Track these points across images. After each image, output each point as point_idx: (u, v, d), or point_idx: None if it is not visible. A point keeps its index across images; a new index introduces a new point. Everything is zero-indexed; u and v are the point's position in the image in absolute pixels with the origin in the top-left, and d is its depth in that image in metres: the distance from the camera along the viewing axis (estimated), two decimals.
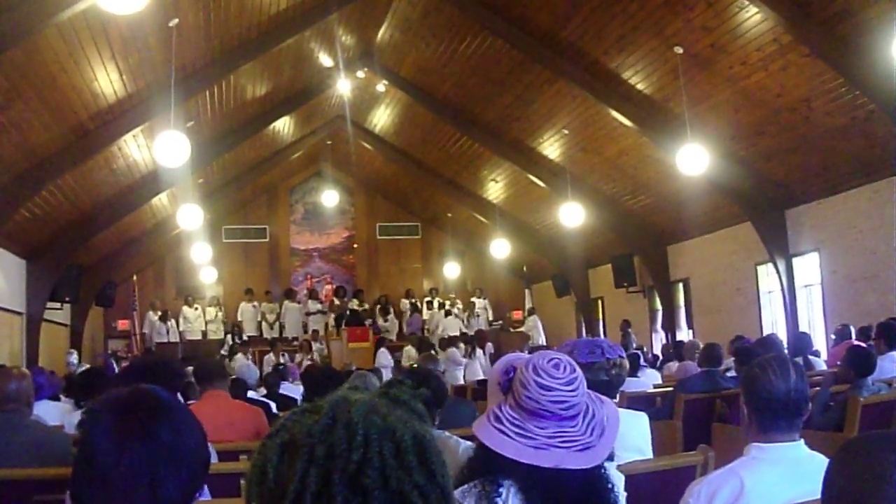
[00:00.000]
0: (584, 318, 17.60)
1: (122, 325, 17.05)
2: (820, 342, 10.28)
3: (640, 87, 10.87)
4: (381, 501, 0.85)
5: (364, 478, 0.86)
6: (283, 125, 15.37)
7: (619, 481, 1.95)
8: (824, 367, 7.64)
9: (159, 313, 17.17)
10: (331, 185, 18.50)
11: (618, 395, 2.96)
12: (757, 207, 11.55)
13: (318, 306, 18.46)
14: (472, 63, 12.53)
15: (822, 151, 10.07)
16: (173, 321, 17.38)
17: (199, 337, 17.61)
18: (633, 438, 2.98)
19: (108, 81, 9.42)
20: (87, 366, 10.94)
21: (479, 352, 13.85)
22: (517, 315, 19.27)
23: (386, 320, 18.35)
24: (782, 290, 11.54)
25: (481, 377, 11.76)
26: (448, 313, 17.93)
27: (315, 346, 16.15)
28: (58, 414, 5.33)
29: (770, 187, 11.34)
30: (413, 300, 19.12)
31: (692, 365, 6.95)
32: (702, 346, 7.02)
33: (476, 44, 11.94)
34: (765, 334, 9.86)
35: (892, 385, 5.35)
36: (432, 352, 11.64)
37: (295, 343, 16.93)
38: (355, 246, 20.24)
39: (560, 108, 12.48)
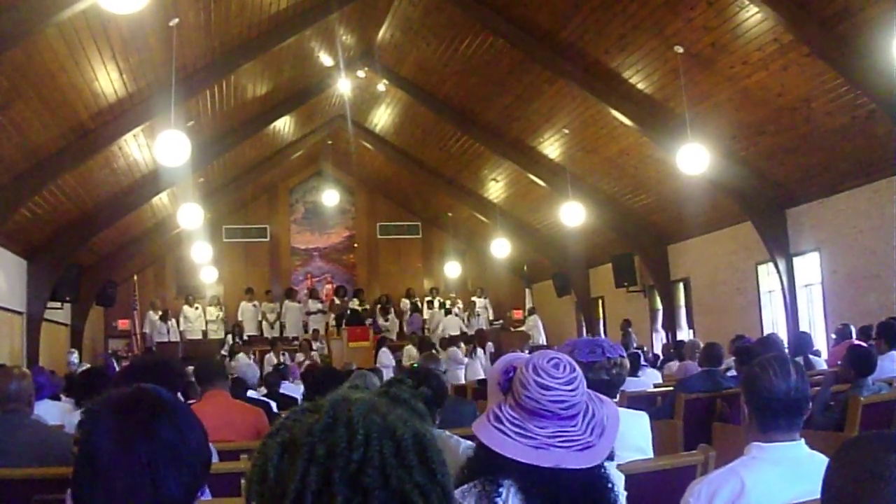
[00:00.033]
0: (584, 318, 17.60)
1: (123, 324, 17.06)
2: (820, 342, 10.28)
3: (640, 86, 10.86)
4: (381, 500, 0.86)
5: (364, 477, 0.86)
6: (284, 125, 15.37)
7: (619, 481, 1.95)
8: (825, 367, 7.64)
9: (160, 313, 17.17)
10: (331, 184, 18.50)
11: (618, 395, 2.96)
12: (757, 207, 11.55)
13: (319, 306, 18.46)
14: (473, 63, 12.53)
15: (822, 151, 10.07)
16: (174, 321, 17.38)
17: (200, 336, 17.60)
18: (633, 438, 2.98)
19: (108, 81, 9.42)
20: (88, 365, 10.95)
21: (479, 351, 13.86)
22: (518, 314, 19.27)
23: (386, 320, 18.35)
24: (783, 289, 11.54)
25: (482, 377, 11.76)
26: (448, 312, 17.94)
27: (315, 345, 16.15)
28: (58, 413, 5.32)
29: (770, 187, 11.33)
30: (413, 300, 19.12)
31: (692, 364, 6.96)
32: (702, 345, 7.01)
33: (477, 43, 11.95)
34: (765, 334, 9.85)
35: (892, 384, 5.35)
36: (433, 351, 11.64)
37: (295, 343, 16.92)
38: (356, 245, 20.24)
39: (560, 107, 12.48)
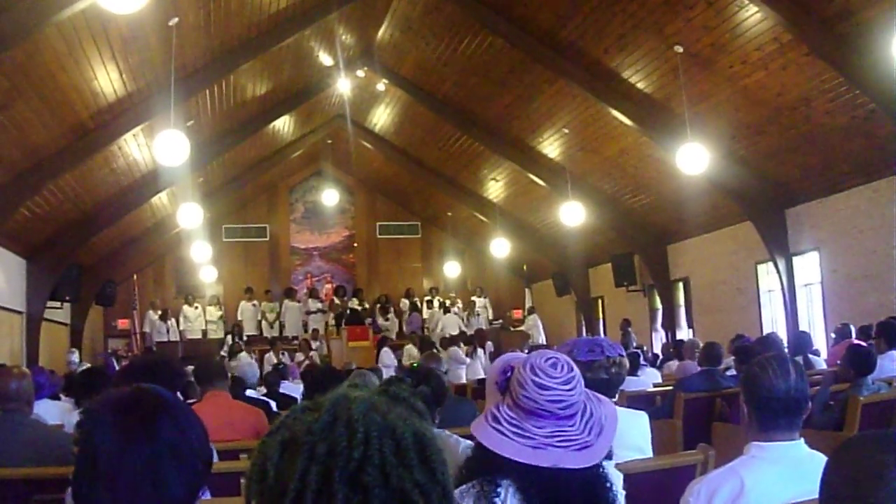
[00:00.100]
0: (584, 318, 17.60)
1: (123, 324, 17.07)
2: (820, 341, 10.28)
3: (640, 86, 10.87)
4: (381, 499, 0.86)
5: (364, 476, 0.86)
6: (283, 124, 15.37)
7: (617, 480, 1.95)
8: (824, 366, 7.64)
9: (159, 312, 17.17)
10: (331, 184, 18.49)
11: (618, 394, 2.96)
12: (757, 207, 11.55)
13: (319, 305, 18.46)
14: (473, 62, 12.53)
15: (822, 151, 10.07)
16: (173, 320, 17.39)
17: (200, 336, 17.60)
18: (633, 437, 2.98)
19: (108, 81, 9.42)
20: (88, 365, 10.95)
21: (479, 351, 13.86)
22: (517, 314, 19.28)
23: (386, 319, 18.35)
24: (782, 289, 11.54)
25: (482, 376, 11.76)
26: (447, 311, 17.94)
27: (315, 345, 16.15)
28: (58, 413, 5.32)
29: (770, 186, 11.34)
30: (413, 299, 19.12)
31: (692, 364, 6.95)
32: (702, 345, 7.01)
33: (476, 43, 11.94)
34: (765, 333, 9.86)
35: (892, 384, 5.35)
36: (434, 350, 11.63)
37: (295, 342, 16.92)
38: (355, 245, 20.24)
39: (560, 107, 12.48)
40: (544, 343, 16.53)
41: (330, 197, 18.12)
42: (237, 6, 9.95)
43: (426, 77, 13.77)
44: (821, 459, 2.00)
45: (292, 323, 18.21)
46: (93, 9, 7.43)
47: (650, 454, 3.04)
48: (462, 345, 13.68)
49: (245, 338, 17.18)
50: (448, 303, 18.49)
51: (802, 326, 11.03)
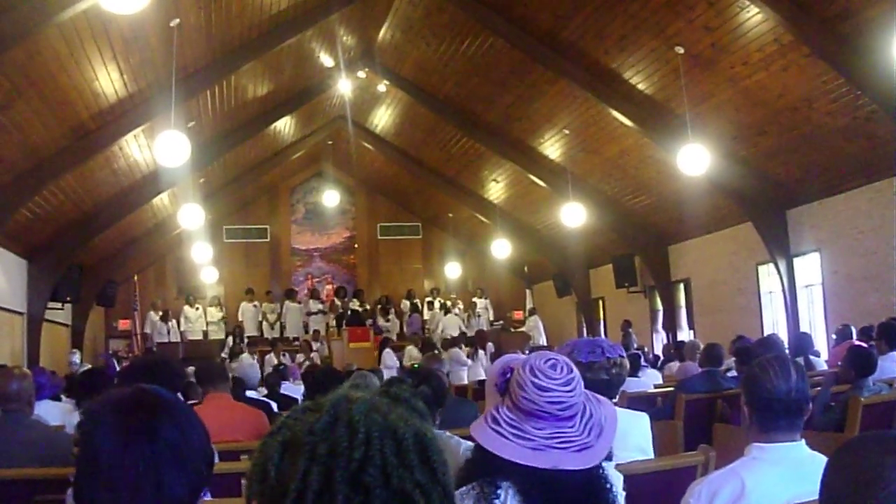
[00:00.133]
0: (584, 319, 17.60)
1: (123, 324, 17.07)
2: (821, 342, 10.27)
3: (641, 87, 10.86)
4: (382, 500, 0.86)
5: (366, 476, 0.86)
6: (284, 125, 15.38)
7: (617, 481, 1.95)
8: (825, 368, 7.63)
9: (160, 313, 17.17)
10: (332, 185, 18.51)
11: (618, 395, 2.96)
12: (758, 207, 11.55)
13: (319, 306, 18.46)
14: (474, 63, 12.53)
15: (823, 151, 10.07)
16: (174, 321, 17.39)
17: (201, 337, 17.60)
18: (634, 438, 2.98)
19: (108, 81, 9.42)
20: (89, 366, 10.95)
21: (481, 353, 13.85)
22: (518, 315, 19.27)
23: (387, 320, 18.35)
24: (783, 290, 11.54)
25: (483, 378, 11.75)
26: (448, 312, 17.93)
27: (316, 346, 16.15)
28: (59, 414, 5.33)
29: (771, 187, 11.33)
30: (413, 300, 19.12)
31: (693, 365, 6.95)
32: (702, 346, 7.01)
33: (477, 44, 11.95)
34: (766, 334, 9.85)
35: (892, 385, 5.35)
36: (436, 352, 11.62)
37: (296, 343, 16.93)
38: (356, 246, 20.24)
39: (561, 108, 12.48)
40: (545, 344, 16.53)
41: (331, 198, 18.13)
42: (238, 7, 9.95)
43: (427, 78, 13.77)
44: (822, 460, 1.99)
45: (293, 324, 18.21)
46: (94, 9, 7.44)
47: (652, 455, 3.04)
48: (463, 346, 13.67)
49: (246, 339, 17.18)
50: (449, 304, 18.49)
51: (803, 327, 11.03)
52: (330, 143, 17.42)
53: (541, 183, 14.60)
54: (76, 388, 5.76)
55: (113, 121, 10.29)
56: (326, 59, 13.38)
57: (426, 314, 18.61)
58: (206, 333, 17.80)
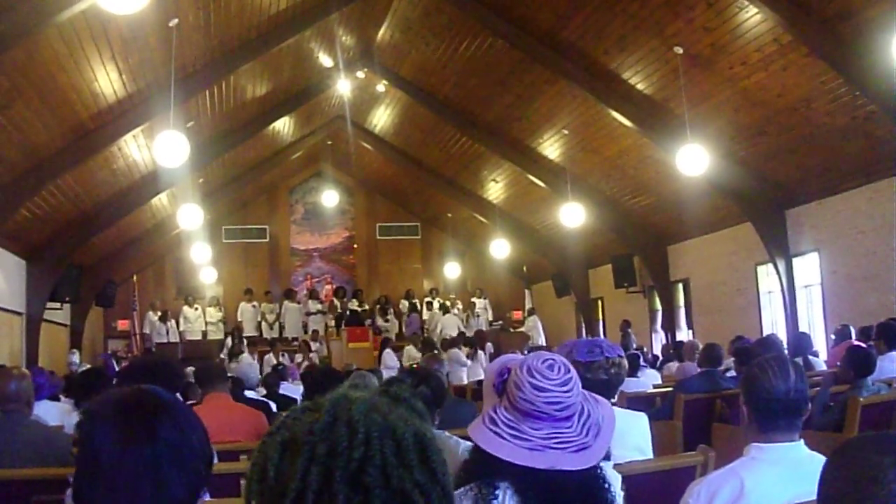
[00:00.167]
0: (584, 319, 17.60)
1: (123, 325, 17.07)
2: (820, 342, 10.28)
3: (640, 87, 10.87)
4: (382, 500, 0.86)
5: (365, 476, 0.86)
6: (283, 125, 15.38)
7: (615, 481, 1.95)
8: (824, 368, 7.63)
9: (159, 313, 17.18)
10: (331, 185, 18.50)
11: (617, 395, 2.96)
12: (757, 208, 11.56)
13: (318, 306, 18.46)
14: (473, 63, 12.53)
15: (822, 151, 10.08)
16: (173, 321, 17.39)
17: (200, 337, 17.60)
18: (633, 438, 2.98)
19: (108, 81, 9.43)
20: (88, 366, 10.95)
21: (480, 353, 13.85)
22: (517, 315, 19.28)
23: (386, 320, 18.36)
24: (782, 290, 11.54)
25: (482, 378, 11.74)
26: (447, 312, 17.93)
27: (315, 346, 16.15)
28: (57, 414, 5.32)
29: (770, 187, 11.34)
30: (412, 300, 19.11)
31: (692, 365, 6.94)
32: (702, 346, 7.01)
33: (476, 44, 11.95)
34: (765, 334, 9.86)
35: (892, 385, 5.35)
36: (435, 352, 11.62)
37: (295, 343, 16.92)
38: (355, 246, 20.25)
39: (560, 108, 12.49)
40: (544, 344, 16.53)
41: (330, 198, 18.12)
42: (237, 7, 9.95)
43: (426, 78, 13.77)
44: (820, 460, 1.99)
45: (292, 324, 18.21)
46: (93, 9, 7.43)
47: (651, 455, 3.04)
48: (462, 346, 13.67)
49: (244, 339, 17.17)
50: (448, 304, 18.49)
51: (802, 327, 11.02)
52: (329, 143, 17.42)
53: (540, 183, 14.61)
54: (75, 388, 5.75)
55: (112, 121, 10.29)
56: (325, 59, 13.39)
57: (425, 314, 18.61)
58: (205, 334, 17.79)
